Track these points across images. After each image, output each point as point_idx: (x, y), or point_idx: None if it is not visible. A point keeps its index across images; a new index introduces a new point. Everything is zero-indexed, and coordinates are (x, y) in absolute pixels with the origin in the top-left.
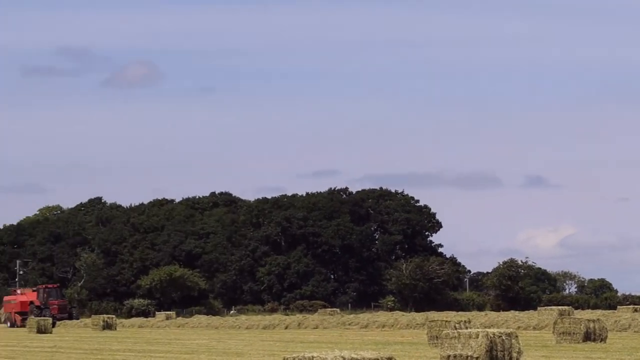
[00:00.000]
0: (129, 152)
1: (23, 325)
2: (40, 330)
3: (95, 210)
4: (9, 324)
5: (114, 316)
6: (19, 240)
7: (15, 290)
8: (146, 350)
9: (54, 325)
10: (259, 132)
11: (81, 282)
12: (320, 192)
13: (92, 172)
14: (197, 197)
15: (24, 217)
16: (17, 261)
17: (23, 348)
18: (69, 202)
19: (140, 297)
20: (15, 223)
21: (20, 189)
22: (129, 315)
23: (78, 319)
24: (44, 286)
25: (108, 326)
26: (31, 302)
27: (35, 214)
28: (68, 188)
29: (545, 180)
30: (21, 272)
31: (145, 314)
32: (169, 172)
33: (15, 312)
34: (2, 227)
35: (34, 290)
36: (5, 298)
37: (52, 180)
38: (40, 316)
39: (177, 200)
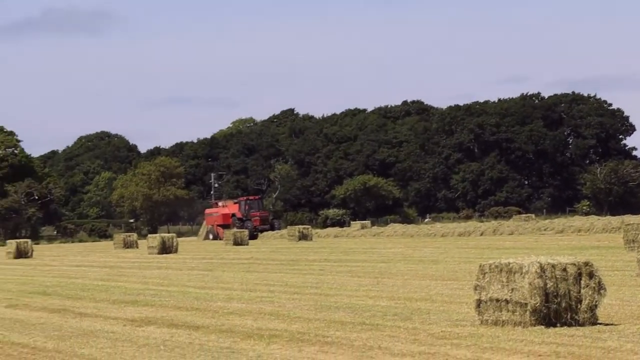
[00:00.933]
0: (320, 63)
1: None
2: (237, 242)
3: (288, 121)
4: (211, 237)
5: (309, 226)
6: (214, 154)
7: (216, 203)
8: (342, 259)
9: (256, 237)
10: (449, 39)
11: (276, 194)
12: (512, 97)
13: (284, 84)
14: (390, 106)
15: (218, 130)
16: (212, 174)
17: (220, 260)
18: (262, 114)
19: (335, 207)
20: (209, 136)
21: (213, 102)
22: (324, 225)
23: (279, 229)
24: (245, 198)
25: (304, 237)
26: (233, 214)
27: (228, 127)
28: (261, 100)
29: None
30: (216, 185)
31: (341, 223)
32: (361, 82)
33: (217, 225)
34: (196, 141)
35: (235, 203)
36: (207, 211)
37: (245, 92)
38: (242, 228)
39: (369, 110)
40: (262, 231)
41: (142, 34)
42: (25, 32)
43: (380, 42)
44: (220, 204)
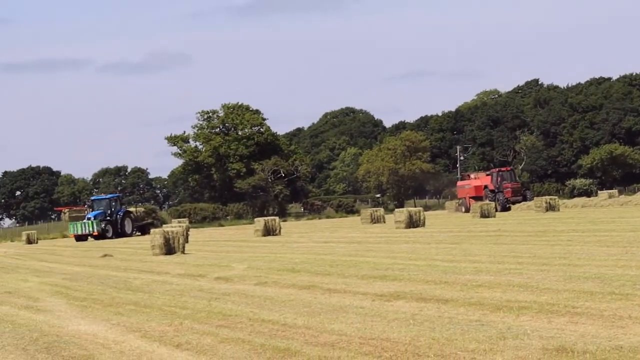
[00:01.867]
0: (564, 31)
1: None
2: (483, 215)
3: (533, 92)
4: (463, 209)
5: (556, 197)
6: (458, 126)
7: (468, 175)
8: (590, 229)
9: (509, 209)
10: None
11: (522, 165)
12: None
13: (528, 54)
14: (635, 74)
15: (462, 103)
16: (457, 147)
17: (467, 233)
18: (506, 86)
19: (581, 177)
20: (453, 109)
21: (458, 75)
22: (571, 195)
23: (532, 200)
24: (497, 170)
25: (551, 207)
26: (485, 186)
27: (473, 99)
28: (505, 71)
29: None
30: (462, 158)
31: (587, 193)
32: (605, 49)
33: (470, 197)
34: (441, 114)
35: (487, 174)
36: (459, 183)
37: (490, 64)
38: (494, 200)
39: (614, 78)
40: (514, 203)
41: (385, 8)
42: (267, 10)
43: (624, 8)
44: (472, 176)
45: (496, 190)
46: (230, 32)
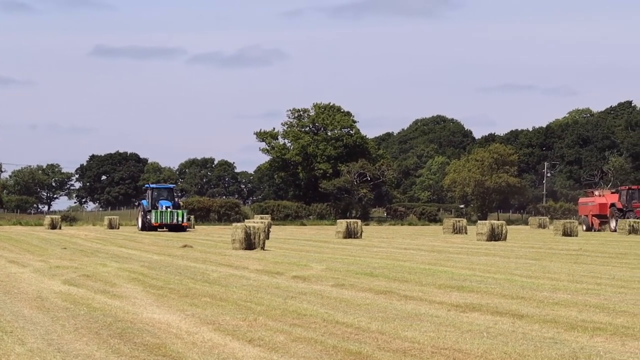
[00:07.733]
0: None
1: (600, 230)
2: (565, 233)
3: (625, 113)
4: (584, 227)
5: None
6: (548, 143)
7: (592, 192)
8: None
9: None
10: None
11: (608, 186)
12: None
13: (623, 76)
14: None
15: (554, 120)
16: (545, 163)
17: (548, 250)
18: (598, 106)
19: None
20: (544, 125)
21: (551, 91)
22: None
23: None
24: (627, 187)
25: (634, 230)
26: (612, 205)
27: (564, 117)
28: (599, 91)
29: None
30: (548, 175)
31: None
32: None
33: (593, 215)
34: (531, 129)
35: (613, 192)
36: (581, 200)
37: (584, 83)
38: (623, 218)
39: None
40: None
41: (480, 18)
42: (364, 12)
43: None
44: (596, 193)
45: (625, 209)
46: (324, 32)
